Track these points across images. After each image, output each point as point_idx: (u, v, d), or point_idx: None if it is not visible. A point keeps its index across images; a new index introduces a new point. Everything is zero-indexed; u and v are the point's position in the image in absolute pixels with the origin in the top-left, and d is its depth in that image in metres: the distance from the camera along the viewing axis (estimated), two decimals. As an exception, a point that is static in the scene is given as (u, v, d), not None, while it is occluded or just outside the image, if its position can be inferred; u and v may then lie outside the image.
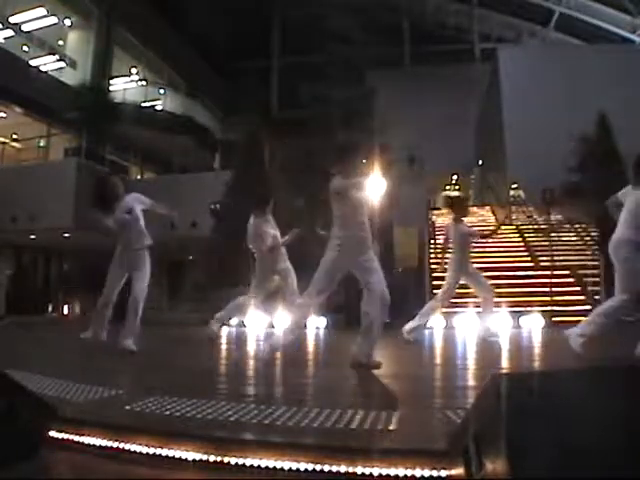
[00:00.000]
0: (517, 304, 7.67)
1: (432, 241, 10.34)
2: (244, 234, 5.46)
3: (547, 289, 8.33)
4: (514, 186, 15.66)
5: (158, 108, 19.02)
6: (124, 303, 4.59)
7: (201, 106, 21.34)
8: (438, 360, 4.02)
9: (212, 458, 1.64)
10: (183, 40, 21.47)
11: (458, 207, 6.03)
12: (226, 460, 1.63)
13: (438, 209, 14.96)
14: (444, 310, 7.72)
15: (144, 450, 1.74)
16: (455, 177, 21.94)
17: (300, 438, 1.79)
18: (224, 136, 21.33)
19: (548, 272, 8.68)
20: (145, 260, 4.65)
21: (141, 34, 19.33)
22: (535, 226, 11.98)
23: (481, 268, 7.95)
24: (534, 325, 7.23)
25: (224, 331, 7.74)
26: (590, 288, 8.72)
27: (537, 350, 5.05)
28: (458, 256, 5.71)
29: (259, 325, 8.15)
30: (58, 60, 17.12)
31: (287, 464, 1.56)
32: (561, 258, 9.57)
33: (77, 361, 4.35)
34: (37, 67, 15.81)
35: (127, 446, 1.77)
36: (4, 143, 15.30)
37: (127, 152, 18.27)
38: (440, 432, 1.77)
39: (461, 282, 5.82)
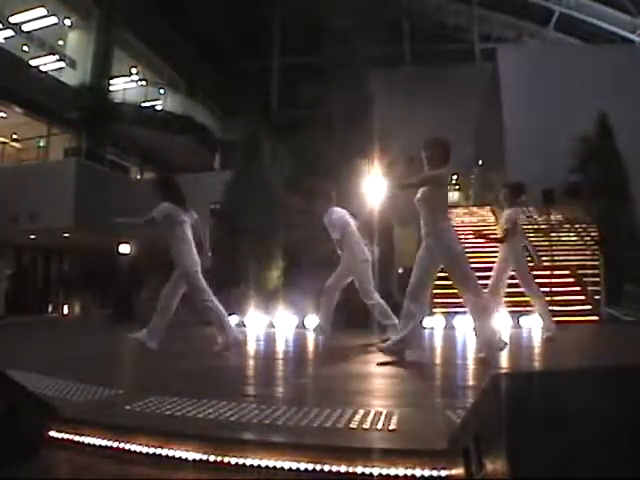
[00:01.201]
0: (517, 304, 7.66)
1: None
2: (243, 234, 5.43)
3: (547, 289, 8.32)
4: (514, 186, 15.60)
5: (158, 108, 19.03)
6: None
7: (201, 106, 21.37)
8: (438, 360, 4.02)
9: (212, 458, 1.64)
10: (183, 40, 21.46)
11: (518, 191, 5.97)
12: (226, 460, 1.63)
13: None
14: (444, 310, 7.71)
15: (144, 450, 1.74)
16: (455, 177, 21.90)
17: (300, 438, 1.80)
18: (224, 136, 21.32)
19: (548, 272, 8.67)
20: (177, 263, 4.78)
21: (141, 34, 19.33)
22: (535, 226, 11.97)
23: (481, 268, 7.97)
24: (534, 325, 7.23)
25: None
26: (590, 288, 8.71)
27: (537, 350, 5.04)
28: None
29: (259, 325, 8.14)
30: (58, 60, 17.14)
31: (287, 464, 1.56)
32: (561, 258, 9.57)
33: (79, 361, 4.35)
34: (37, 67, 15.82)
35: (127, 446, 1.77)
36: (4, 143, 15.32)
37: (127, 152, 18.29)
38: (440, 432, 1.77)
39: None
